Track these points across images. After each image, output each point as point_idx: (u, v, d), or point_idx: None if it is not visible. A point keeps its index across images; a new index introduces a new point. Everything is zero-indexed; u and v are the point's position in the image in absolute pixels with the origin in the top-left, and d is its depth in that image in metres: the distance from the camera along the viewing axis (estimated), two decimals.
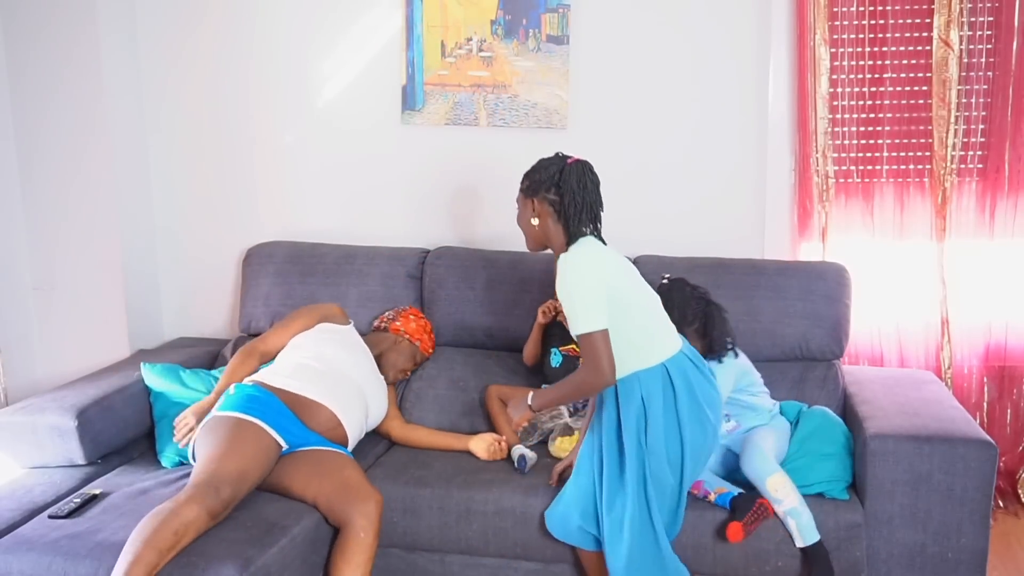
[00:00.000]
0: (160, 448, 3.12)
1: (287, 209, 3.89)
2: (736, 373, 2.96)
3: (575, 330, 2.52)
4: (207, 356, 3.58)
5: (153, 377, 3.22)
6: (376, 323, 3.46)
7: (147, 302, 3.90)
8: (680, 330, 2.77)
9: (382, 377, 3.24)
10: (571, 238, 2.62)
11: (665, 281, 2.99)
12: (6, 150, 3.70)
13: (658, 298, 2.72)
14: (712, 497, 2.75)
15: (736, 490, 2.75)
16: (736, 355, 2.98)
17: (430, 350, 3.46)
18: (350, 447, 3.02)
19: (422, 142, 3.76)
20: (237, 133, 3.86)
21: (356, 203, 3.86)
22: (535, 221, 2.67)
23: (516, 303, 3.45)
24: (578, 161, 2.65)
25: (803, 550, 2.67)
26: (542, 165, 2.68)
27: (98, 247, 3.73)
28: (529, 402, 2.70)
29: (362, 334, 3.35)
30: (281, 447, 2.80)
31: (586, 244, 2.61)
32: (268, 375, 3.00)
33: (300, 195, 3.89)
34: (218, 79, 3.84)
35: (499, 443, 3.08)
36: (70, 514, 2.65)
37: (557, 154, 2.70)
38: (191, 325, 3.97)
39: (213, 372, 3.31)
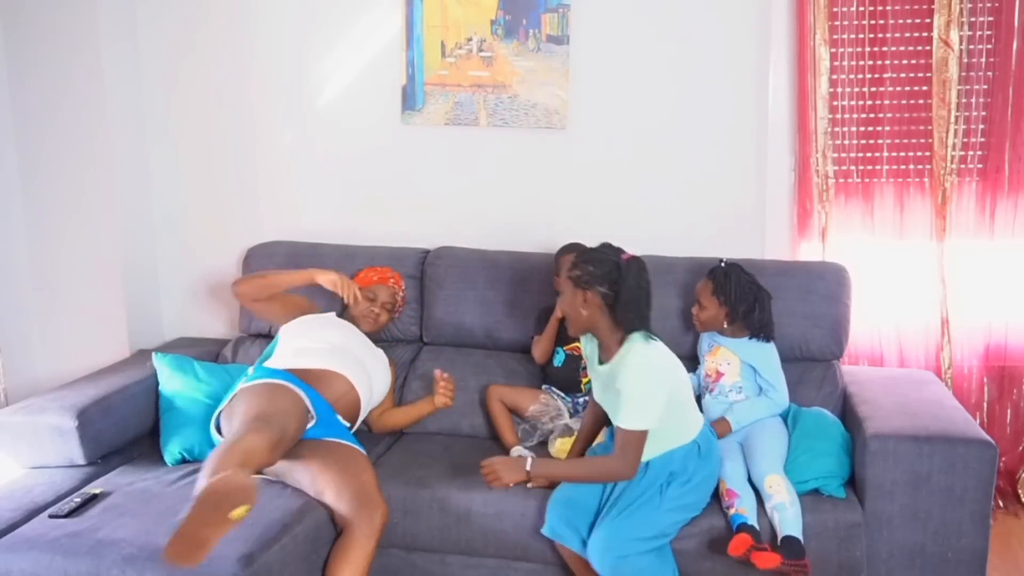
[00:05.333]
0: (164, 441, 3.12)
1: (287, 209, 3.89)
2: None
3: (621, 423, 2.61)
4: (207, 356, 3.57)
5: (164, 368, 3.23)
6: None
7: (147, 302, 3.90)
8: (734, 311, 2.97)
9: (379, 351, 3.33)
10: (627, 331, 2.67)
11: (723, 265, 3.06)
12: (6, 150, 3.70)
13: (690, 381, 2.86)
14: (733, 511, 2.72)
15: (751, 520, 2.69)
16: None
17: (373, 277, 3.44)
18: (361, 415, 3.15)
19: (422, 142, 3.76)
20: (237, 133, 3.86)
21: (356, 203, 3.86)
22: (584, 312, 2.69)
23: (516, 303, 3.45)
24: (634, 258, 2.68)
25: (782, 540, 2.65)
26: (596, 258, 2.69)
27: (98, 247, 3.72)
28: (528, 468, 2.70)
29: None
30: (309, 411, 2.91)
31: (653, 346, 2.67)
32: (276, 363, 3.10)
33: (300, 195, 3.89)
34: (219, 79, 3.84)
35: (440, 384, 3.19)
36: (70, 514, 2.65)
37: (606, 245, 2.73)
38: (191, 325, 3.97)
39: (227, 366, 3.36)
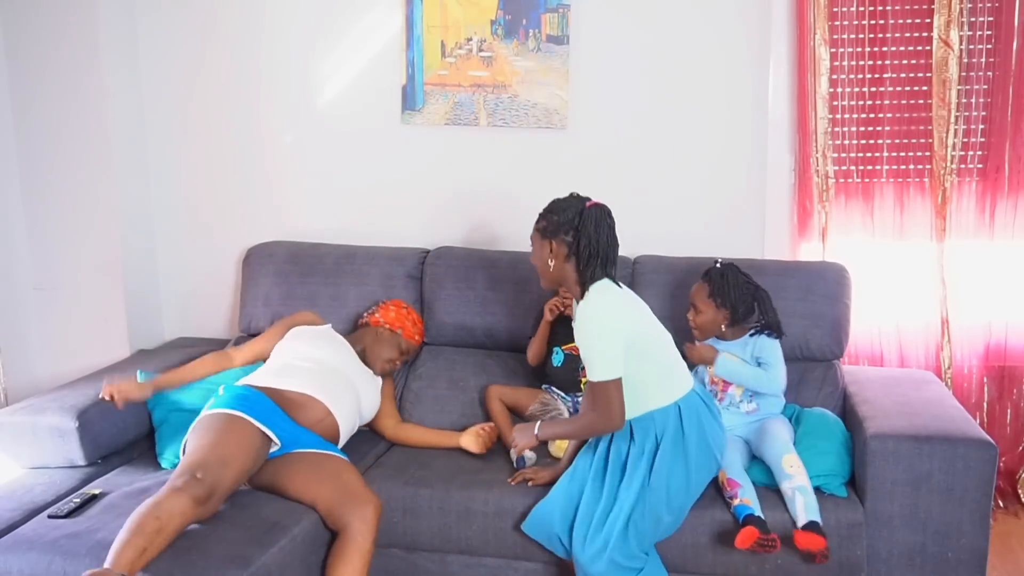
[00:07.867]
0: (160, 451, 3.13)
1: (287, 209, 3.89)
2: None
3: (591, 377, 2.60)
4: None
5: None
6: (359, 321, 3.46)
7: (147, 302, 3.90)
8: (734, 312, 2.90)
9: (369, 370, 3.25)
10: (586, 280, 2.65)
11: (718, 265, 3.03)
12: (6, 150, 3.71)
13: (670, 337, 2.77)
14: (736, 501, 2.72)
15: (756, 510, 2.70)
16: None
17: (416, 337, 3.40)
18: (342, 440, 3.04)
19: (422, 142, 3.76)
20: (237, 133, 3.87)
21: (356, 203, 3.86)
22: (551, 263, 2.69)
23: (516, 303, 3.45)
24: (596, 205, 2.66)
25: (801, 528, 2.65)
26: (560, 207, 2.69)
27: (98, 247, 3.73)
28: (536, 431, 2.75)
29: (346, 334, 3.36)
30: (271, 442, 2.82)
31: (603, 291, 2.65)
32: (255, 378, 3.04)
33: (300, 195, 3.89)
34: (218, 79, 3.84)
35: (486, 430, 3.14)
36: (70, 514, 2.65)
37: (573, 195, 2.72)
38: (191, 325, 3.98)
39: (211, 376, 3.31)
